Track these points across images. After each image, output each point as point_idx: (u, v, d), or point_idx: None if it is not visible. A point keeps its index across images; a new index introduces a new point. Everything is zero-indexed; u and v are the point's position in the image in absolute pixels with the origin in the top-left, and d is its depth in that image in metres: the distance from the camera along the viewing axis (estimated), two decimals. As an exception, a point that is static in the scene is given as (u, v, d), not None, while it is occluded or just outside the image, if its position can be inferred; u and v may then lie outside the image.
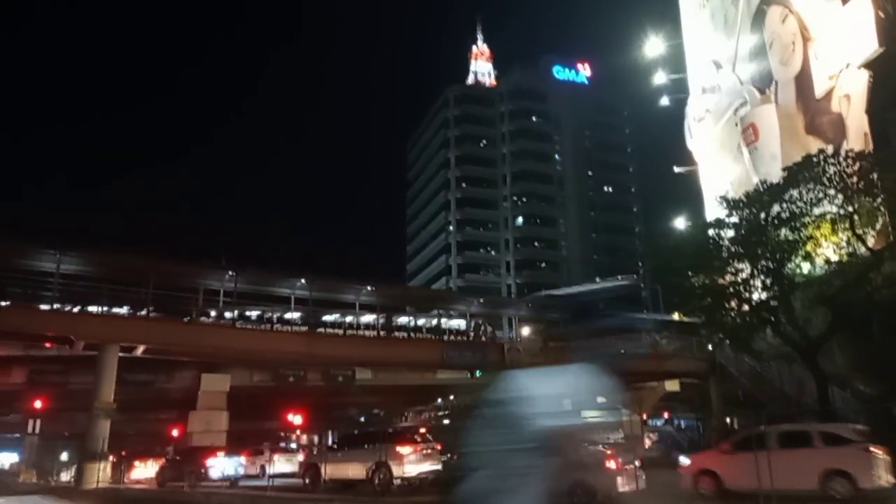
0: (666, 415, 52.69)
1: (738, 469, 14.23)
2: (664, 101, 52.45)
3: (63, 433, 38.64)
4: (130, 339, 27.35)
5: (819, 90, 36.63)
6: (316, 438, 44.56)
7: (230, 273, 30.73)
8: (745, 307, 25.67)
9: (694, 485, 15.47)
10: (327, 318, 35.14)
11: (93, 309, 28.36)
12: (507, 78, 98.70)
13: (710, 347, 38.97)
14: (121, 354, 26.60)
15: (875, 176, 22.90)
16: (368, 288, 34.33)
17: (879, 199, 23.29)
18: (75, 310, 28.11)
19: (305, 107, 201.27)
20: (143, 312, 28.40)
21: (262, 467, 27.59)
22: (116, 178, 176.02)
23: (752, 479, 13.18)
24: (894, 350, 24.13)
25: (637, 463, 15.36)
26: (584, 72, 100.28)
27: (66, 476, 30.03)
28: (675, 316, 42.53)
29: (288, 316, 33.32)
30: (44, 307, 27.02)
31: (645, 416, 56.48)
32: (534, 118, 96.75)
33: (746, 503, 13.56)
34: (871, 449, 13.85)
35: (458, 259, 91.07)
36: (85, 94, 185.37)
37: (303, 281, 32.03)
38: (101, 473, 24.55)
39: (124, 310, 29.11)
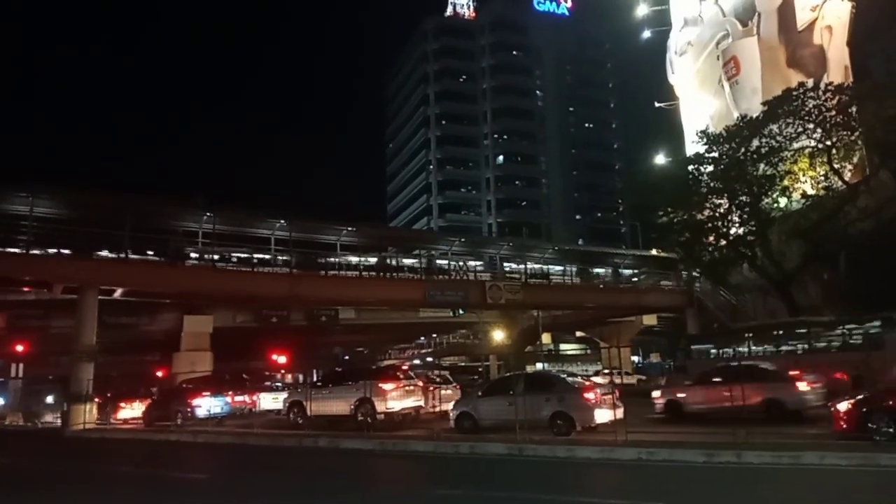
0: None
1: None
2: (646, 34, 51.71)
3: (47, 376, 38.77)
4: (109, 282, 27.10)
5: (801, 22, 36.29)
6: (301, 377, 45.17)
7: (208, 214, 30.30)
8: (723, 242, 26.08)
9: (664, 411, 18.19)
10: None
11: (69, 252, 27.93)
12: (487, 9, 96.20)
13: (686, 282, 39.68)
14: (100, 297, 26.42)
15: (854, 109, 23.00)
16: (349, 228, 34.14)
17: (857, 133, 23.47)
18: (51, 252, 27.64)
19: (276, 41, 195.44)
20: (122, 255, 28.04)
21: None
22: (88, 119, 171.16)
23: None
24: (861, 280, 24.78)
25: (616, 393, 15.70)
26: (566, 3, 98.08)
27: (52, 418, 30.25)
28: (654, 251, 43.16)
29: (270, 257, 33.11)
30: (19, 251, 26.54)
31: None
32: (514, 52, 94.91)
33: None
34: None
35: (439, 199, 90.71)
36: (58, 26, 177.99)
37: (283, 222, 31.73)
38: (87, 415, 24.78)
39: (102, 252, 28.68)
